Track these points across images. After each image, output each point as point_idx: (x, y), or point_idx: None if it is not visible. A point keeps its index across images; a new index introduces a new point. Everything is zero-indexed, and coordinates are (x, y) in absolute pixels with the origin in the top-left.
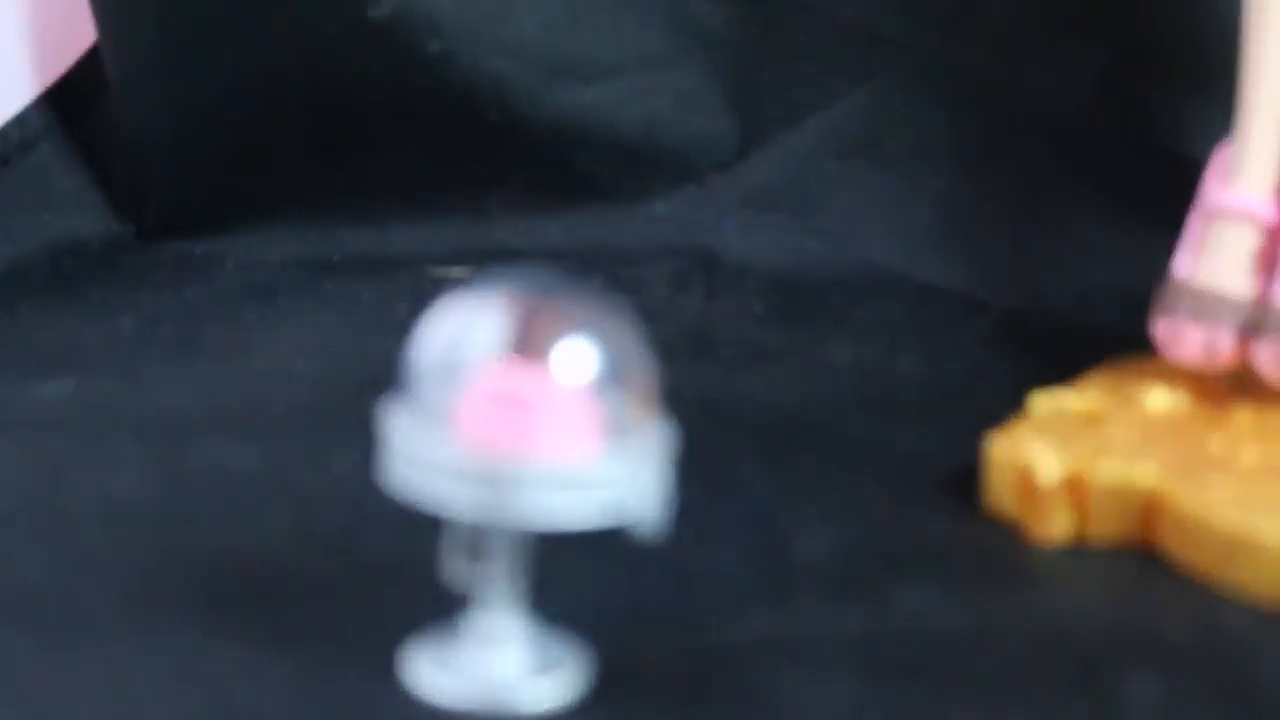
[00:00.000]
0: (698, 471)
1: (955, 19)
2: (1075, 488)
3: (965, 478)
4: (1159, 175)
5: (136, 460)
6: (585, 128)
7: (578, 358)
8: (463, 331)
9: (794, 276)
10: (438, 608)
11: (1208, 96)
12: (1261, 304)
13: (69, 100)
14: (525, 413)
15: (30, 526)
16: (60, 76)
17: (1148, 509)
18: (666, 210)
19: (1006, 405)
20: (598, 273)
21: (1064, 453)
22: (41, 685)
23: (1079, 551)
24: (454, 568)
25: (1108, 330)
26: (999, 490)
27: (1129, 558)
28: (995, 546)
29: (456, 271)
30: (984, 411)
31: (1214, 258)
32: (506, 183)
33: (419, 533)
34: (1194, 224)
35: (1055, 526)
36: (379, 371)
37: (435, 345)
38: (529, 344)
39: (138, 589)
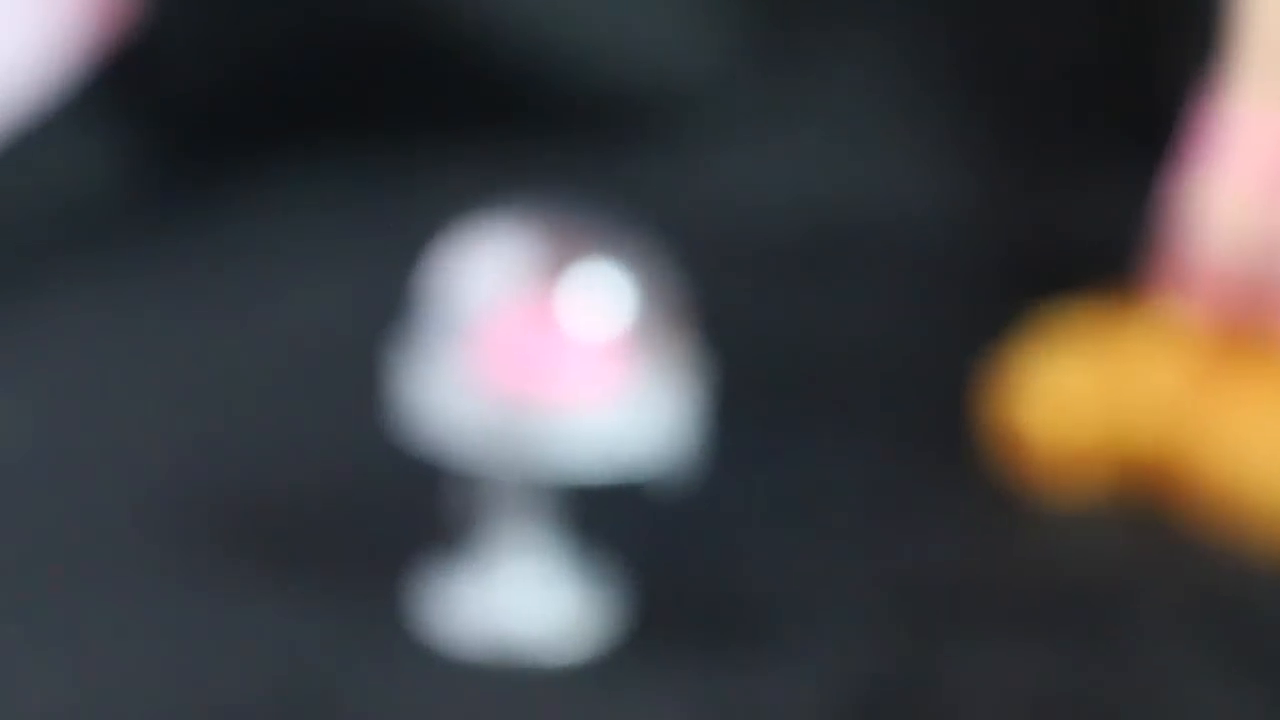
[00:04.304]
0: (711, 433)
1: None
2: (1082, 445)
3: (970, 438)
4: (1161, 135)
5: (144, 418)
6: (586, 70)
7: (601, 302)
8: (479, 278)
9: (797, 247)
10: (457, 557)
11: (1211, 57)
12: (1267, 232)
13: (69, 79)
14: (546, 359)
15: (37, 484)
16: (58, 57)
17: (1158, 465)
18: (662, 171)
19: (1011, 368)
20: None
21: (1071, 412)
22: (47, 629)
23: (1089, 507)
24: (473, 515)
25: (1111, 284)
26: (1008, 448)
27: (1140, 513)
28: (1005, 503)
29: (470, 223)
30: (988, 374)
31: (1214, 185)
32: (513, 132)
33: (437, 481)
34: (1190, 153)
35: (1063, 483)
36: (394, 321)
37: (450, 293)
38: (549, 289)
39: (145, 543)
